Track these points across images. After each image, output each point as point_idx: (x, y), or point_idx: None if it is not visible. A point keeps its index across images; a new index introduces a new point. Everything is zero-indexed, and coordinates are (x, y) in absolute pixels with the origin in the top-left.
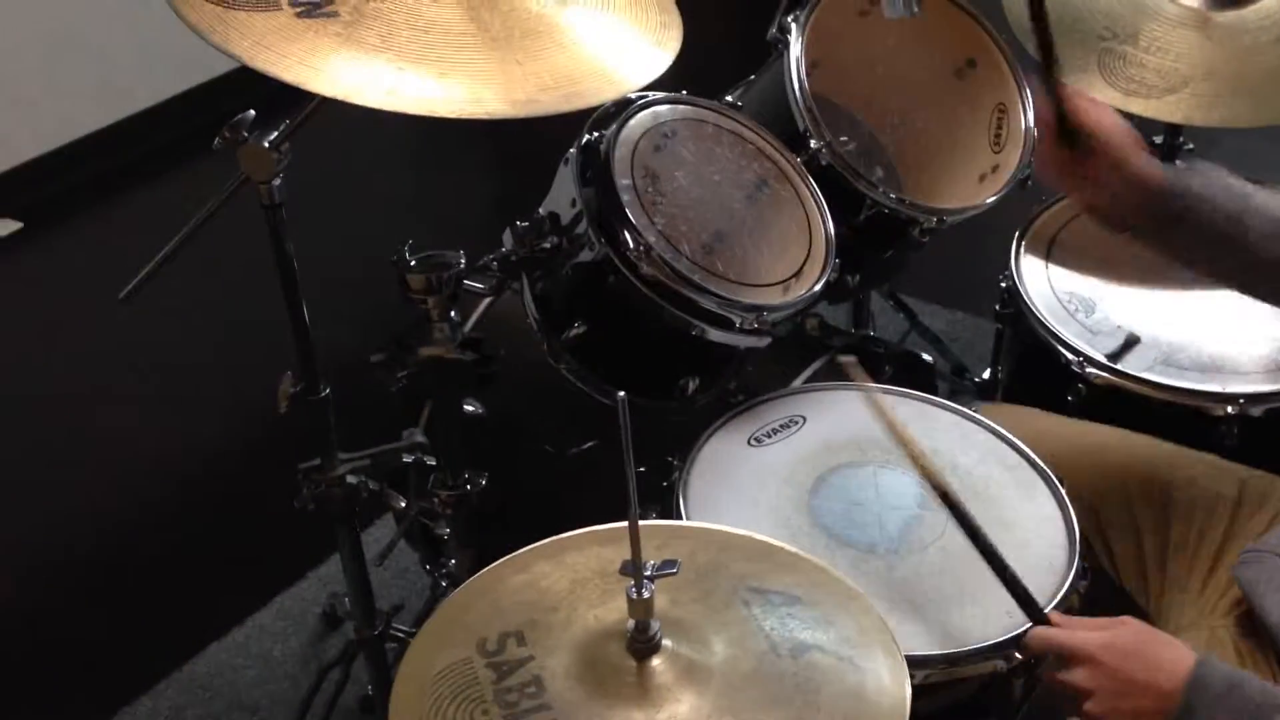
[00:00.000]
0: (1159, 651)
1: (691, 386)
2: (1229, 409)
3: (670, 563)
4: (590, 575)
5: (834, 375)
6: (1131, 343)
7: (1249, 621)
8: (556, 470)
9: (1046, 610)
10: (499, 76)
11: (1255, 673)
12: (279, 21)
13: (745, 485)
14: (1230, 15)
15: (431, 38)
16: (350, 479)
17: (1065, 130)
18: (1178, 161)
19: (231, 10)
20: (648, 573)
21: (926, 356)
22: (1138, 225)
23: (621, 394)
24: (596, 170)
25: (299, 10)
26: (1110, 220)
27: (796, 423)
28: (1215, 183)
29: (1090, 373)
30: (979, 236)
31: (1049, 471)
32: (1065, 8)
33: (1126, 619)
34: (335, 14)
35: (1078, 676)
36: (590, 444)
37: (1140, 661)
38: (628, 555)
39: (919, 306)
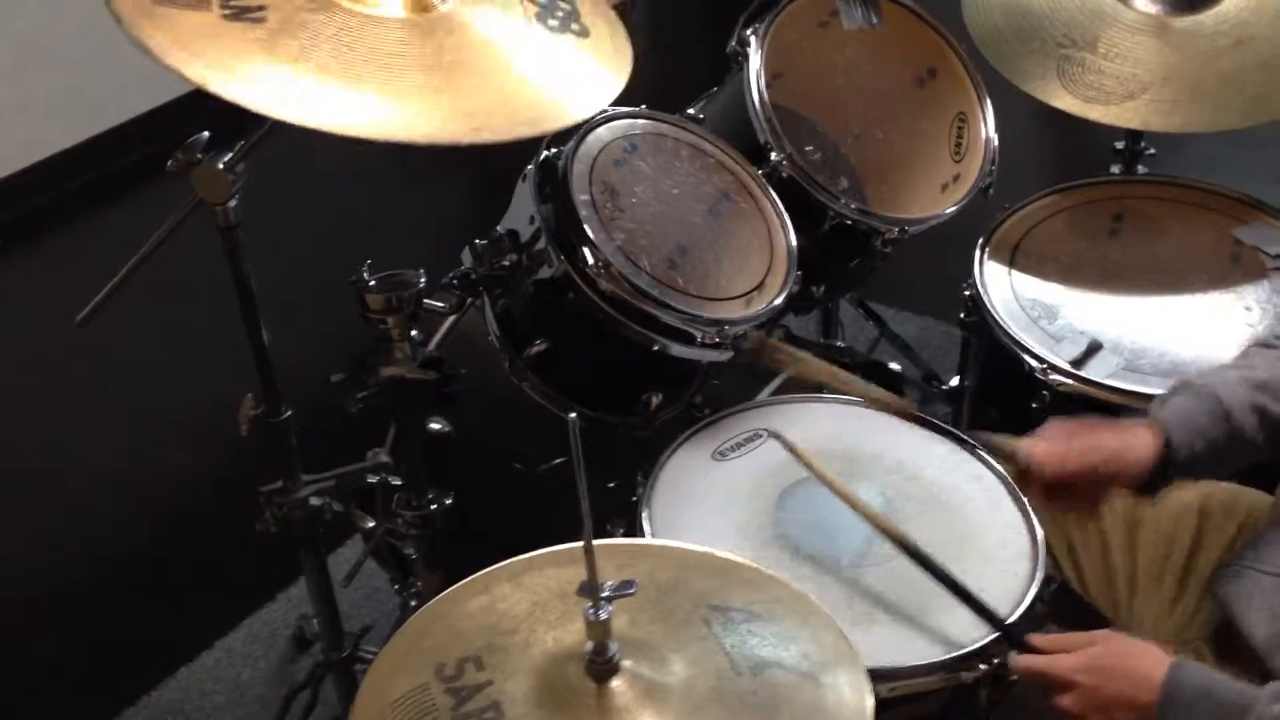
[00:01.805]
0: (1134, 666)
1: (655, 402)
2: None
3: (628, 583)
4: (549, 597)
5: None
6: (1094, 349)
7: (1226, 638)
8: (526, 487)
9: (1009, 620)
10: (417, 101)
11: None
12: (204, 21)
13: (710, 500)
14: (1188, 21)
15: (354, 55)
16: (314, 500)
17: (1050, 492)
18: (1138, 167)
19: (161, 5)
20: (605, 594)
21: (894, 365)
22: (1197, 471)
23: (572, 415)
24: (555, 186)
25: (227, 13)
26: (1163, 484)
27: (761, 436)
28: (1215, 386)
29: (1053, 379)
30: (949, 243)
31: (1014, 483)
32: (1024, 16)
33: (1104, 634)
34: (264, 19)
35: (1064, 701)
36: (560, 460)
37: (1117, 678)
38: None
39: (889, 314)
